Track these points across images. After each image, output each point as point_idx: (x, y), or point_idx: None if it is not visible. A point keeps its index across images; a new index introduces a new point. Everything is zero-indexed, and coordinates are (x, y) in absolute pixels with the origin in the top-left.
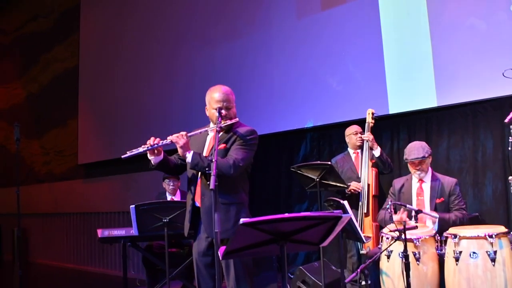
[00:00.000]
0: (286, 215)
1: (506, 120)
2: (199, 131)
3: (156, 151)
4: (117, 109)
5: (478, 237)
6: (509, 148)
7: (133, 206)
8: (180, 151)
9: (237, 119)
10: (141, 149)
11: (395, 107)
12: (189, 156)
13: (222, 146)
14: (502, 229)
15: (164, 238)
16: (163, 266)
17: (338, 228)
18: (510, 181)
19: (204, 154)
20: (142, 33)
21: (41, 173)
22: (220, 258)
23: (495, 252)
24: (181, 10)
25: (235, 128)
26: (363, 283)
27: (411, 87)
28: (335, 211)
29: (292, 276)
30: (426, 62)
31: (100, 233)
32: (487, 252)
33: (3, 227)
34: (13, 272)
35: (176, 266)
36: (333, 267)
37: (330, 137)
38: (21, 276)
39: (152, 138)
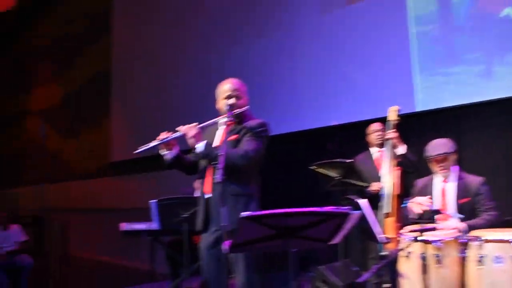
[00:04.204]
0: (291, 209)
1: None
2: (210, 121)
3: (168, 145)
4: (149, 108)
5: (502, 241)
6: None
7: (154, 201)
8: (191, 141)
9: (247, 107)
10: (153, 143)
11: (422, 104)
12: (201, 145)
13: (233, 136)
14: None
15: (187, 233)
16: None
17: (347, 226)
18: None
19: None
20: (171, 34)
21: (77, 171)
22: (226, 252)
23: None
24: (208, 11)
25: (246, 121)
26: (385, 285)
27: (440, 83)
28: (344, 207)
29: (311, 275)
30: (457, 57)
31: (122, 226)
32: None
33: (45, 220)
34: (51, 264)
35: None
36: (354, 268)
37: (357, 136)
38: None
39: (163, 132)
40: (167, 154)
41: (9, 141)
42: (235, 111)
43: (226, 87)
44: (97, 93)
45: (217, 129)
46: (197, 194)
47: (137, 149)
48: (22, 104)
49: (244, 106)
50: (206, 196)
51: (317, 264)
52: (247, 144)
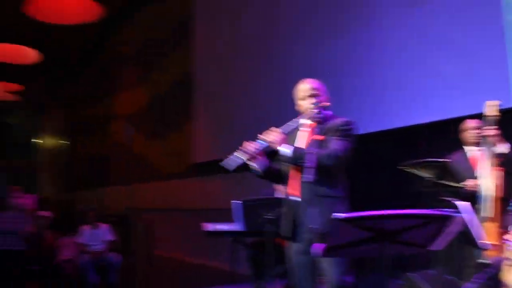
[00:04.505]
0: (388, 211)
1: None
2: (291, 124)
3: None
4: (231, 109)
5: None
6: None
7: (239, 201)
8: (275, 145)
9: (327, 103)
10: (239, 156)
11: None
12: (287, 150)
13: (319, 137)
14: None
15: (270, 235)
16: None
17: (449, 230)
18: None
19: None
20: (252, 37)
21: (161, 172)
22: (317, 255)
23: None
24: (288, 12)
25: (329, 120)
26: None
27: None
28: (446, 210)
29: (400, 283)
30: None
31: (206, 227)
32: None
33: (130, 220)
34: (137, 262)
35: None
36: (449, 277)
37: (447, 133)
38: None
39: (247, 143)
40: (256, 165)
41: (97, 144)
42: (316, 110)
43: (305, 87)
44: (180, 96)
45: (297, 130)
46: (277, 195)
47: (223, 162)
48: (109, 108)
49: (325, 105)
50: (292, 198)
51: (406, 271)
52: (335, 144)
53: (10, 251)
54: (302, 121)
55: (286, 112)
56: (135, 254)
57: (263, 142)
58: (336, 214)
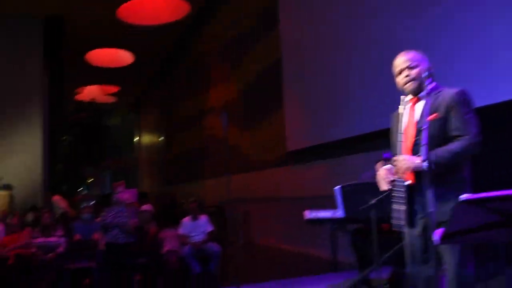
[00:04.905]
0: None
1: None
2: (397, 133)
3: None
4: (321, 95)
5: None
6: None
7: (338, 187)
8: (414, 169)
9: (425, 73)
10: (401, 208)
11: None
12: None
13: (433, 115)
14: None
15: (375, 221)
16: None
17: None
18: None
19: (403, 129)
20: (340, 15)
21: (255, 162)
22: (436, 242)
23: None
24: None
25: (436, 92)
26: None
27: None
28: None
29: None
30: None
31: (307, 214)
32: None
33: (227, 210)
34: (235, 251)
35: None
36: None
37: None
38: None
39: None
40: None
41: (192, 138)
42: (411, 83)
43: (399, 61)
44: (270, 85)
45: (399, 115)
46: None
47: (395, 226)
48: (202, 103)
49: (422, 74)
50: (407, 183)
51: None
52: (469, 127)
53: (116, 244)
54: (406, 99)
55: (377, 94)
56: (232, 244)
57: (401, 180)
58: (462, 196)
